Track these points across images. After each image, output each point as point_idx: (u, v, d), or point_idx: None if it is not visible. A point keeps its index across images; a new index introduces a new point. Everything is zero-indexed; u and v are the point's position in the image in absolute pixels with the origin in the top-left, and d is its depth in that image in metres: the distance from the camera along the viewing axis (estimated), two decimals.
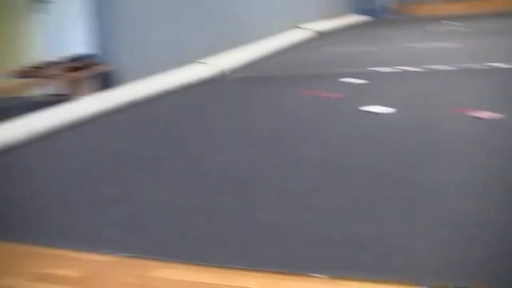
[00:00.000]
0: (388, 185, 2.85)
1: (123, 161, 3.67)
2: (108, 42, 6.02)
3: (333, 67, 6.74)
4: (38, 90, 6.04)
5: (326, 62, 7.30)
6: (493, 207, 2.49)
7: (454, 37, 8.46)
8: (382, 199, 2.69)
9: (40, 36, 7.07)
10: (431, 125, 3.87)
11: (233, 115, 4.66)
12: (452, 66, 6.05)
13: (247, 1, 8.62)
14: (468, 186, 2.77)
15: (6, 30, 6.84)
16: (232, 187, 3.02)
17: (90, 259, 2.29)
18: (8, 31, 6.88)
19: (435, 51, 7.33)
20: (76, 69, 5.86)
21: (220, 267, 2.13)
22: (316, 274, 2.03)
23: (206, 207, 2.77)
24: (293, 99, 5.08)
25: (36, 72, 5.90)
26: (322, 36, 10.30)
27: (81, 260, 2.29)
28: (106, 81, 5.88)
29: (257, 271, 2.09)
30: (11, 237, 2.54)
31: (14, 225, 2.73)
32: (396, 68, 6.18)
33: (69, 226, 2.67)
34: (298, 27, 10.19)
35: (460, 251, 2.13)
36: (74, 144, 4.28)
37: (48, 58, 6.38)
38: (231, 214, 2.65)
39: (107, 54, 6.01)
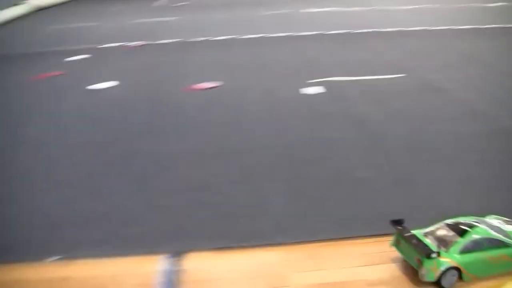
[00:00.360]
0: (116, 159, 2.86)
1: None
2: None
3: (57, 44, 6.48)
4: None
5: (49, 39, 6.99)
6: (216, 173, 2.65)
7: (177, 12, 8.72)
8: (112, 173, 2.69)
9: None
10: (155, 98, 3.96)
11: None
12: (176, 39, 6.24)
13: None
14: (191, 154, 2.90)
15: None
16: None
17: None
18: None
19: (159, 25, 7.46)
20: None
21: None
22: (47, 259, 1.98)
23: None
24: (14, 82, 4.79)
25: None
26: (44, 11, 9.84)
27: None
28: None
29: None
30: None
31: None
32: (121, 43, 6.16)
33: None
34: (18, 3, 9.59)
35: (188, 215, 2.24)
36: None
37: None
38: None
39: None
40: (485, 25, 7.18)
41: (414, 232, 2.15)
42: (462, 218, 2.27)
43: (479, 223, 2.27)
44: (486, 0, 9.63)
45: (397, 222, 2.19)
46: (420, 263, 2.09)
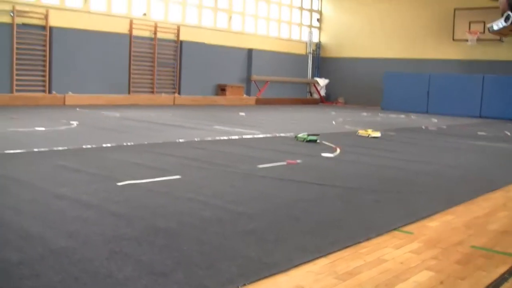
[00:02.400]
0: None
1: None
2: None
3: None
4: None
5: None
6: None
7: None
8: None
9: None
10: None
11: None
12: None
13: None
14: None
15: None
16: None
17: None
18: None
19: None
20: None
21: None
22: None
23: None
24: None
25: None
26: None
27: None
28: None
29: None
30: None
31: None
32: None
33: None
34: None
35: None
36: None
37: None
38: None
39: None
40: None
41: (299, 135, 7.94)
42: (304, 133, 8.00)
43: (307, 135, 7.85)
44: None
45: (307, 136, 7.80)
46: (304, 140, 7.72)
